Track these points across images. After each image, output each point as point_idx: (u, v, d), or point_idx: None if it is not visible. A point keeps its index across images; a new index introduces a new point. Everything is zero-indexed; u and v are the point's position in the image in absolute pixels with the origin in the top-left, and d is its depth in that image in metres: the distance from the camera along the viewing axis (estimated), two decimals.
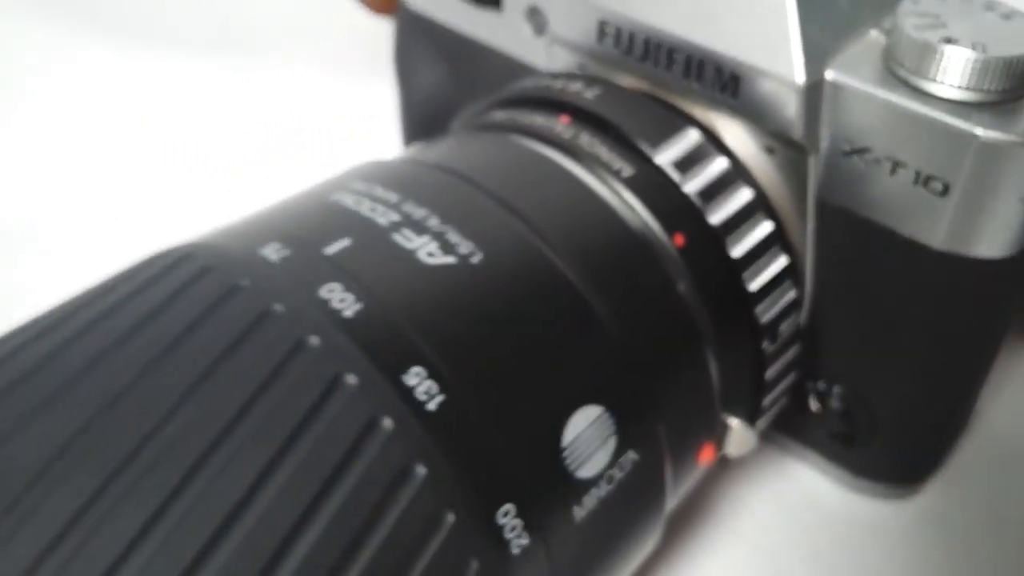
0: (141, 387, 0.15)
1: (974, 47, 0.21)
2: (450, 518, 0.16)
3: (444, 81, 0.32)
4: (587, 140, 0.22)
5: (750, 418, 0.23)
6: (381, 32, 0.37)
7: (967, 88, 0.21)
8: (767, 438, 0.29)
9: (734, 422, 0.22)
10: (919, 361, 0.25)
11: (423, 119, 0.33)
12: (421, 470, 0.16)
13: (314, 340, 0.16)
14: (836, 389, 0.26)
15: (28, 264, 0.33)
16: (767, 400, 0.24)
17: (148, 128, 0.40)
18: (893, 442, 0.27)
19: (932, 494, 0.28)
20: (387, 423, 0.16)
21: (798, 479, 0.29)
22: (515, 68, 0.28)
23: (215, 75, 0.41)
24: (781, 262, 0.23)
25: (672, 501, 0.22)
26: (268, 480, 0.15)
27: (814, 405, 0.27)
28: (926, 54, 0.21)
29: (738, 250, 0.22)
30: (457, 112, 0.28)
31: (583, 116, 0.23)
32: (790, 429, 0.28)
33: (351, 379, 0.16)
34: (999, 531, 0.27)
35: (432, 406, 0.16)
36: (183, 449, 0.15)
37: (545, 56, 0.27)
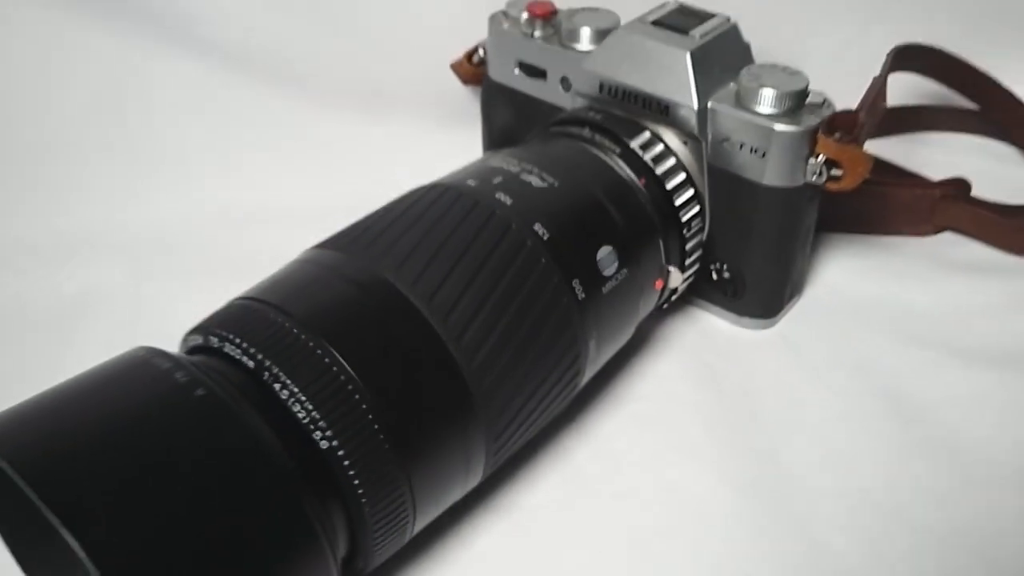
0: (440, 225, 0.35)
1: (774, 88, 0.42)
2: (555, 278, 0.36)
3: (511, 120, 0.52)
4: (599, 138, 0.43)
5: (680, 268, 0.43)
6: (469, 96, 0.58)
7: (773, 107, 0.42)
8: (689, 301, 0.49)
9: (672, 268, 0.43)
10: (764, 247, 0.45)
11: (498, 143, 0.54)
12: (540, 238, 0.36)
13: (499, 210, 0.36)
14: (725, 266, 0.46)
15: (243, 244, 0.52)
16: (687, 261, 0.44)
17: (306, 164, 0.57)
18: (757, 294, 0.46)
19: (781, 324, 0.47)
20: (529, 243, 0.36)
21: (707, 320, 0.47)
22: (554, 110, 0.48)
23: (351, 123, 0.60)
24: (691, 192, 0.42)
25: (643, 309, 0.42)
26: (487, 261, 0.35)
27: (715, 276, 0.47)
28: (752, 93, 0.42)
29: (670, 185, 0.42)
30: (519, 137, 0.49)
31: (595, 126, 0.43)
32: (701, 293, 0.47)
33: (514, 225, 0.36)
34: (816, 342, 0.46)
35: (544, 236, 0.36)
36: (469, 253, 0.34)
37: (570, 102, 0.48)
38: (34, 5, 0.53)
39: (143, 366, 0.29)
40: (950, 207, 0.51)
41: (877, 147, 0.56)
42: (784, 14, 0.59)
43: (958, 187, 0.51)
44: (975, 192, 0.53)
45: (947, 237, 0.53)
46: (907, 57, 0.50)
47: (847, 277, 0.50)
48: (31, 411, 0.27)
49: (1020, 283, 0.50)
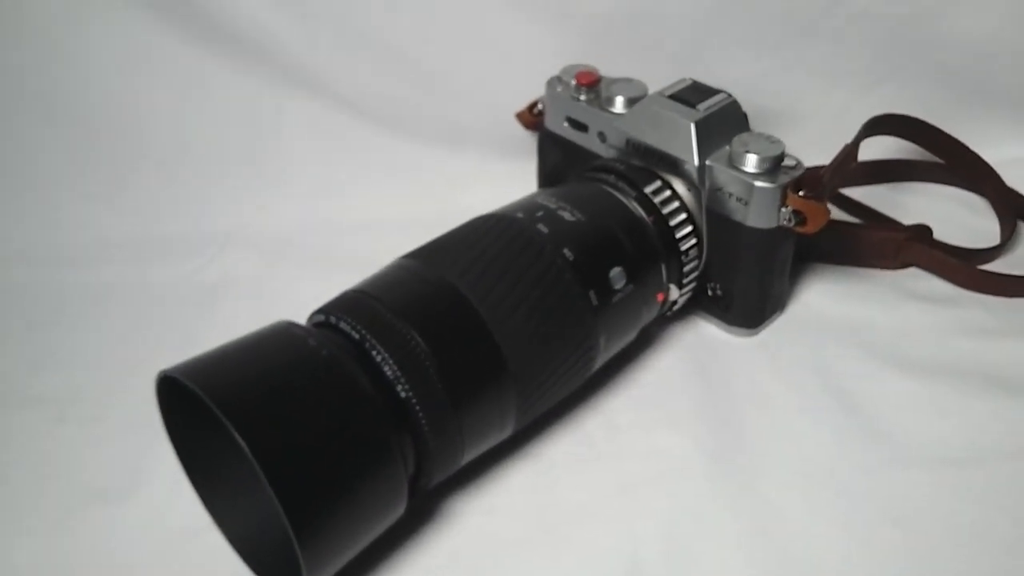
0: (493, 246, 0.47)
1: (757, 153, 0.53)
2: (576, 289, 0.48)
3: (559, 160, 0.64)
4: (620, 184, 0.54)
5: (678, 286, 0.55)
6: (528, 139, 0.70)
7: (755, 167, 0.53)
8: (690, 312, 0.60)
9: (671, 285, 0.54)
10: (747, 274, 0.56)
11: (549, 179, 0.66)
12: (566, 259, 0.48)
13: (538, 237, 0.47)
14: (718, 286, 0.58)
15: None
16: (684, 281, 0.55)
17: (398, 187, 0.70)
18: (742, 309, 0.58)
19: (763, 334, 0.58)
20: (559, 262, 0.48)
21: (704, 328, 0.58)
22: (591, 156, 0.60)
23: (435, 156, 0.72)
24: (690, 228, 0.53)
25: (646, 316, 0.54)
26: (526, 273, 0.47)
27: (710, 293, 0.58)
28: (740, 156, 0.53)
29: (673, 222, 0.53)
30: (565, 172, 0.61)
31: (619, 174, 0.55)
32: (700, 306, 0.59)
33: (548, 248, 0.48)
34: (788, 349, 0.57)
35: (570, 258, 0.48)
36: (513, 267, 0.46)
37: (605, 151, 0.60)
38: (219, 67, 0.68)
39: (285, 333, 0.41)
40: (913, 247, 0.61)
41: (861, 193, 0.67)
42: (794, 84, 0.70)
43: (921, 232, 0.61)
44: (939, 235, 0.63)
45: (912, 272, 0.63)
46: (881, 123, 0.61)
47: (822, 299, 0.61)
48: (211, 359, 0.40)
49: (966, 312, 0.60)
